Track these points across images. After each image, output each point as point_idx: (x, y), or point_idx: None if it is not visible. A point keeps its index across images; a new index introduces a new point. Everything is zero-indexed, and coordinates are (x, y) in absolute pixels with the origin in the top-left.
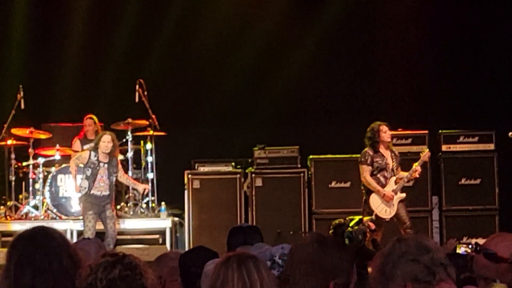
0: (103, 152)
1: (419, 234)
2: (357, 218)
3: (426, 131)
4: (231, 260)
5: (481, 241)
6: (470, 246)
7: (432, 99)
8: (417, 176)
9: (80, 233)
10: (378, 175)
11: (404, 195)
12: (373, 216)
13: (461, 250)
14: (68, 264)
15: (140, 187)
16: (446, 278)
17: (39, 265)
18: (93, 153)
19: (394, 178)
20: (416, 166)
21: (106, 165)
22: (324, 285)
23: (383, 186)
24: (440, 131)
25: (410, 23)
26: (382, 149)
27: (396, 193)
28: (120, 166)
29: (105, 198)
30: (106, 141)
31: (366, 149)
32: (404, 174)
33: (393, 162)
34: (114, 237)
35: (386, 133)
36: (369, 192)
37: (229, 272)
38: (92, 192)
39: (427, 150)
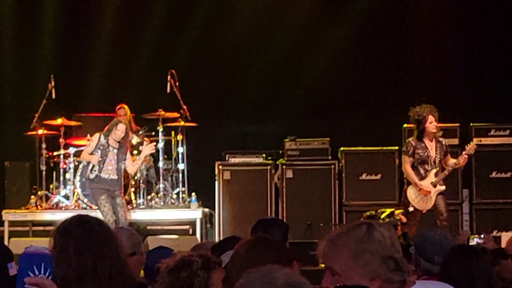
0: (114, 139)
1: (386, 223)
2: (388, 210)
3: (457, 124)
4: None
5: (510, 234)
6: (482, 237)
7: (463, 91)
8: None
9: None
10: (419, 167)
11: (443, 187)
12: (410, 208)
13: (474, 241)
14: (122, 251)
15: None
16: (411, 275)
17: (98, 251)
18: (102, 137)
19: (434, 171)
20: (460, 158)
21: (115, 150)
22: None
23: (423, 178)
24: (471, 124)
25: (441, 15)
26: (426, 140)
27: (435, 186)
28: (129, 155)
29: (114, 183)
30: (120, 130)
31: (410, 138)
32: (453, 161)
33: (436, 154)
34: (126, 225)
35: (431, 123)
36: (409, 182)
37: None
38: (101, 174)
39: (473, 143)
